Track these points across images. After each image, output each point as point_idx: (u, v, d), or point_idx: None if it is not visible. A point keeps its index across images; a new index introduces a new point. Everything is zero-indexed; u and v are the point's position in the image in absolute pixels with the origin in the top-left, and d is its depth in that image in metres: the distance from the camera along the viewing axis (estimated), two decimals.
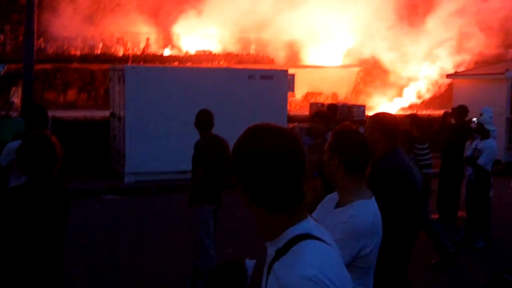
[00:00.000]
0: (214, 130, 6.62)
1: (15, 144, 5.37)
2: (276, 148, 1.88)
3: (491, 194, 9.44)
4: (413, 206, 4.09)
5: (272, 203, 1.91)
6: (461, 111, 10.64)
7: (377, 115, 4.36)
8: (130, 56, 28.07)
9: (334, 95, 27.84)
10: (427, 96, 25.68)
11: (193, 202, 6.40)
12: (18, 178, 5.32)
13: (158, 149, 12.96)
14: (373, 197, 3.12)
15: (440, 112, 20.64)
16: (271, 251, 1.96)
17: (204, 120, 6.46)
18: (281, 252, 1.91)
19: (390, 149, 4.12)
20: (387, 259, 3.83)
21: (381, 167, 4.04)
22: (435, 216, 10.35)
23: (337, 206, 3.11)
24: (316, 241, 1.92)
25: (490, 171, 8.97)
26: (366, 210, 3.01)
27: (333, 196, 3.21)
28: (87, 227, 9.45)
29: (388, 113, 4.41)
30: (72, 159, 12.26)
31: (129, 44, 31.02)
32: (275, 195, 1.89)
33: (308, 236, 1.91)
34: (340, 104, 16.85)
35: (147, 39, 31.31)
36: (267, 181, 1.88)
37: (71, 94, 24.35)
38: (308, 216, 2.00)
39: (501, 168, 15.40)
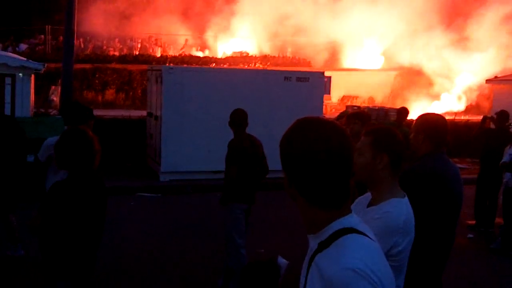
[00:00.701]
0: (250, 131, 6.62)
1: (52, 140, 5.47)
2: (327, 142, 1.87)
3: None
4: (448, 213, 4.02)
5: (319, 197, 1.90)
6: (502, 116, 10.43)
7: (423, 115, 4.29)
8: (168, 57, 28.39)
9: (371, 98, 27.66)
10: (466, 101, 25.31)
11: (226, 201, 6.43)
12: (56, 173, 5.42)
13: (193, 149, 13.05)
14: (406, 196, 3.09)
15: (479, 117, 20.45)
16: (313, 244, 1.95)
17: (238, 119, 6.47)
18: (324, 245, 1.90)
19: (431, 152, 4.07)
20: (420, 264, 3.79)
21: (414, 169, 4.00)
22: (472, 223, 10.22)
23: (370, 205, 3.09)
24: (361, 235, 1.91)
25: None
26: (400, 207, 2.99)
27: (364, 198, 3.20)
28: (122, 223, 9.57)
29: (435, 114, 4.30)
30: (109, 157, 12.45)
31: (166, 45, 31.36)
32: (323, 189, 1.89)
33: (352, 230, 1.91)
34: (376, 107, 16.78)
35: (186, 40, 31.58)
36: (316, 175, 1.87)
37: (109, 94, 24.71)
38: (353, 212, 2.00)
39: None
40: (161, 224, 9.86)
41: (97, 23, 28.53)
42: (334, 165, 1.86)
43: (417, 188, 3.78)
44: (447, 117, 14.77)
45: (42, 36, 30.12)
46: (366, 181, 3.13)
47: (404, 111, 11.70)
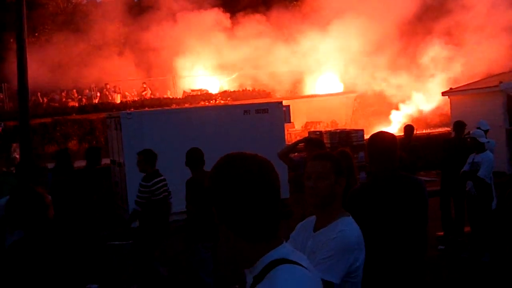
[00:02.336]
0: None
1: (3, 200, 5.39)
2: (248, 176, 1.89)
3: (494, 206, 9.38)
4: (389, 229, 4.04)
5: (246, 230, 1.91)
6: (458, 126, 10.66)
7: (370, 136, 4.36)
8: (128, 102, 28.33)
9: (334, 122, 27.93)
10: (424, 114, 25.75)
11: (190, 241, 6.40)
12: (11, 233, 5.32)
13: None
14: (350, 215, 3.16)
15: (441, 129, 20.89)
16: (249, 278, 1.96)
17: (193, 158, 6.50)
18: (258, 278, 1.90)
19: (376, 171, 4.13)
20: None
21: (354, 191, 4.16)
22: (440, 234, 10.29)
23: (317, 228, 3.12)
24: (293, 265, 1.91)
25: (491, 184, 8.93)
26: (351, 225, 3.10)
27: (307, 223, 3.23)
28: (96, 273, 9.40)
29: (381, 134, 4.32)
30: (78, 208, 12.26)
31: (124, 91, 31.32)
32: (248, 222, 1.89)
33: (284, 260, 1.91)
34: (338, 131, 16.93)
35: (143, 83, 31.58)
36: (240, 209, 1.89)
37: (72, 145, 24.47)
38: (284, 242, 2.00)
39: (505, 181, 15.28)
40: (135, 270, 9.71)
41: (49, 76, 28.37)
42: (257, 198, 1.88)
43: (357, 208, 3.84)
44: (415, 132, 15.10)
45: (1, 94, 29.85)
46: (325, 203, 3.16)
47: (408, 128, 11.74)
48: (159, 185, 8.36)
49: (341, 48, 29.86)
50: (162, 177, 8.54)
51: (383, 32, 27.83)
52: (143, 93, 30.65)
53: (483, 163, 8.71)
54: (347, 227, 3.04)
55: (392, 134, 4.32)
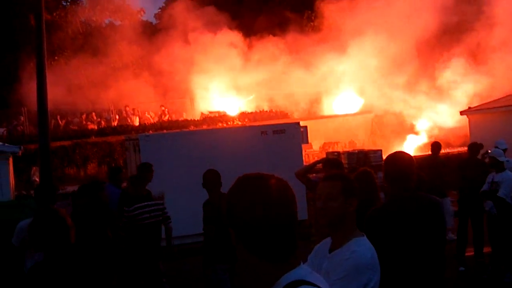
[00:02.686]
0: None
1: (24, 223, 5.45)
2: (265, 197, 1.89)
3: None
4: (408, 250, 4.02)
5: (264, 251, 1.91)
6: (473, 147, 10.65)
7: (387, 157, 4.35)
8: (147, 124, 28.54)
9: (352, 142, 27.84)
10: (444, 134, 25.60)
11: (207, 263, 6.39)
12: (32, 257, 5.37)
13: (178, 213, 12.93)
14: (364, 235, 3.15)
15: (460, 149, 20.74)
16: None
17: (209, 180, 6.52)
18: None
19: (394, 193, 4.12)
20: None
21: (373, 212, 4.15)
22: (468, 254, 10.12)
23: (332, 250, 3.12)
24: (311, 286, 1.91)
25: (511, 203, 8.83)
26: (364, 245, 3.09)
27: (323, 245, 3.23)
28: None
29: (398, 154, 4.31)
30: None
31: (143, 113, 31.57)
32: (267, 243, 1.90)
33: (303, 282, 1.91)
34: (356, 151, 16.88)
35: (161, 106, 31.80)
36: (258, 230, 1.89)
37: (91, 168, 24.67)
38: (302, 263, 2.00)
39: None
40: None
41: (68, 99, 28.72)
42: (274, 219, 1.88)
43: (375, 229, 3.83)
44: (427, 152, 14.99)
45: (21, 117, 30.23)
46: (335, 224, 3.16)
47: (436, 145, 12.14)
48: (142, 210, 7.96)
49: (358, 68, 29.88)
50: (152, 202, 8.19)
51: (401, 50, 27.84)
52: (162, 116, 30.85)
53: (503, 183, 8.62)
54: (360, 248, 3.04)
55: (409, 154, 4.32)
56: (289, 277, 1.92)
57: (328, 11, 30.54)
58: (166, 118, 30.43)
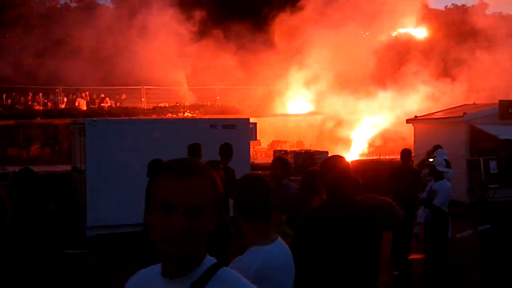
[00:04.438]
0: None
1: None
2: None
3: (449, 235, 9.51)
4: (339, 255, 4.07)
5: None
6: (405, 154, 10.78)
7: (322, 162, 4.36)
8: (95, 110, 28.12)
9: (300, 142, 28.11)
10: (389, 141, 26.15)
11: (144, 255, 6.34)
12: None
13: (120, 202, 12.83)
14: (275, 242, 3.10)
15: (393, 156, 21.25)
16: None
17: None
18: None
19: (325, 198, 4.16)
20: None
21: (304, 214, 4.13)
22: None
23: None
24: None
25: (447, 212, 9.07)
26: (254, 256, 2.95)
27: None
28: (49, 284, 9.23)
29: (332, 159, 4.31)
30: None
31: (93, 98, 31.09)
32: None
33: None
34: (303, 151, 17.07)
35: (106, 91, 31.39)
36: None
37: (34, 149, 24.15)
38: None
39: (463, 210, 15.54)
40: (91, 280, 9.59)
41: (16, 78, 28.08)
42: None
43: (308, 230, 3.86)
44: (372, 157, 15.26)
45: None
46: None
47: (405, 153, 11.06)
48: None
49: (312, 70, 30.22)
50: None
51: (356, 57, 28.34)
52: (107, 102, 30.46)
53: (439, 192, 8.86)
54: (245, 258, 2.97)
55: (345, 159, 4.32)
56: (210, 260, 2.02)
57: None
58: (115, 105, 30.07)
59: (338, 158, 4.31)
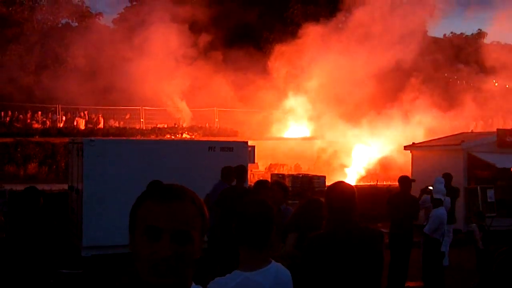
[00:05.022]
0: None
1: None
2: None
3: (446, 263, 9.50)
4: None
5: None
6: (404, 181, 10.63)
7: (327, 187, 4.37)
8: (93, 129, 28.15)
9: (297, 166, 28.11)
10: (386, 167, 26.18)
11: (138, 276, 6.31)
12: None
13: (116, 222, 12.72)
14: (262, 269, 3.12)
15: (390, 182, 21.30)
16: None
17: None
18: None
19: (330, 221, 4.17)
20: None
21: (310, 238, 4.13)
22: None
23: None
24: None
25: (440, 240, 9.04)
26: (230, 279, 3.03)
27: None
28: None
29: (337, 184, 4.31)
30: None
31: (92, 118, 31.14)
32: None
33: None
34: (301, 175, 17.06)
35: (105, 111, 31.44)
36: None
37: (32, 168, 24.11)
38: None
39: (461, 237, 15.50)
40: None
41: (16, 96, 28.15)
42: None
43: (315, 255, 3.86)
44: (370, 183, 15.25)
45: None
46: None
47: (405, 180, 10.55)
48: None
49: (311, 94, 30.42)
50: None
51: (354, 82, 28.54)
52: (106, 122, 30.52)
53: (431, 218, 8.86)
54: (220, 281, 3.04)
55: (351, 185, 4.37)
56: None
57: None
58: (113, 125, 30.12)
59: (344, 183, 4.36)
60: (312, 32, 30.70)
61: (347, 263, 4.00)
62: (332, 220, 4.21)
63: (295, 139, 31.04)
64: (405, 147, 20.24)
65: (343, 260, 4.00)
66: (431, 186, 10.52)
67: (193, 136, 28.39)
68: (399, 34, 29.50)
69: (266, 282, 3.06)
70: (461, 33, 46.72)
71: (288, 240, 5.37)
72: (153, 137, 26.59)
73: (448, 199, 10.13)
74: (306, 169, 27.71)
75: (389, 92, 29.63)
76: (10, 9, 34.49)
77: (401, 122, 27.37)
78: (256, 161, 18.52)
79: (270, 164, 28.06)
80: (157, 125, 30.72)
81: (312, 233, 4.33)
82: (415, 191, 10.77)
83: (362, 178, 25.19)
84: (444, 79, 32.20)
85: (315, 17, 33.04)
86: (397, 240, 9.99)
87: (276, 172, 24.15)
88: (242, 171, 9.90)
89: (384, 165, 25.96)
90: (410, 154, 19.86)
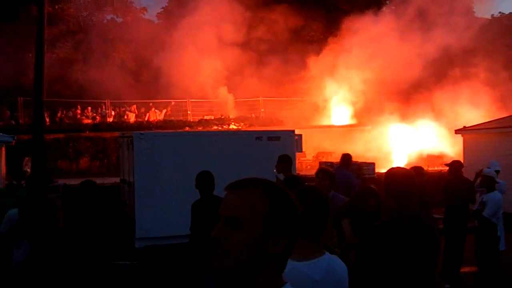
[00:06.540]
0: (222, 193, 6.57)
1: (13, 211, 5.44)
2: None
3: (503, 247, 9.28)
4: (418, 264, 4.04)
5: None
6: (455, 165, 10.44)
7: (386, 172, 4.33)
8: (142, 122, 28.53)
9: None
10: (437, 152, 25.71)
11: (192, 266, 6.37)
12: (18, 247, 5.35)
13: (168, 213, 12.94)
14: (312, 260, 3.02)
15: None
16: None
17: (202, 181, 6.51)
18: None
19: (395, 209, 4.12)
20: None
21: (375, 227, 4.10)
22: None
23: None
24: None
25: (496, 224, 8.85)
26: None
27: None
28: None
29: (397, 169, 4.31)
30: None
31: (140, 111, 31.55)
32: None
33: None
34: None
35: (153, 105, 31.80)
36: None
37: (84, 162, 24.64)
38: None
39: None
40: None
41: (66, 92, 28.73)
42: None
43: (379, 243, 3.85)
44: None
45: (8, 112, 30.14)
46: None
47: (457, 164, 10.51)
48: None
49: (358, 80, 30.08)
50: None
51: (402, 67, 28.07)
52: (156, 115, 30.87)
53: (488, 203, 8.67)
54: None
55: (409, 170, 4.32)
56: None
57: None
58: (161, 117, 30.46)
59: (402, 169, 4.39)
60: (356, 18, 30.41)
61: (411, 249, 3.99)
62: (393, 207, 4.16)
63: (342, 126, 30.76)
64: (456, 131, 19.83)
65: (408, 247, 3.99)
66: (486, 168, 10.26)
67: (239, 127, 28.48)
68: (447, 15, 28.91)
69: (315, 275, 2.95)
70: (510, 13, 45.47)
71: (345, 228, 5.33)
72: (200, 128, 26.81)
73: (503, 182, 9.90)
74: (355, 156, 27.47)
75: (439, 75, 29.05)
76: (57, 7, 35.17)
77: (451, 105, 26.79)
78: (303, 149, 18.46)
79: (318, 152, 27.93)
80: (203, 116, 30.90)
81: (376, 222, 4.31)
82: (466, 175, 10.56)
83: (412, 164, 24.81)
84: (493, 58, 31.15)
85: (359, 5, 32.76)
86: (453, 225, 9.85)
87: (324, 160, 24.02)
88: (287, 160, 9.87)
89: (435, 150, 25.50)
90: (462, 138, 19.46)
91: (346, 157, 12.03)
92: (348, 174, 11.15)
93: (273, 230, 1.92)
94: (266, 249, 1.91)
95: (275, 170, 9.10)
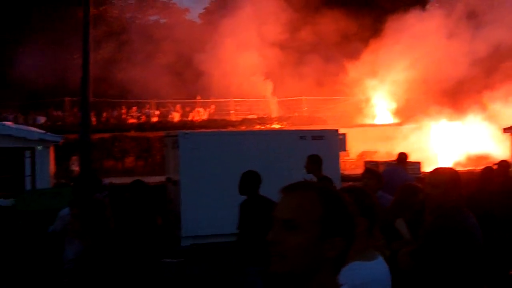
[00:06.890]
0: (267, 192, 6.60)
1: (66, 210, 5.55)
2: None
3: None
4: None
5: None
6: (501, 166, 10.12)
7: (438, 169, 4.32)
8: (186, 122, 28.80)
9: (389, 153, 27.56)
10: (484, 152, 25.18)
11: (239, 265, 6.37)
12: (70, 244, 5.46)
13: (213, 212, 13.04)
14: (377, 259, 3.02)
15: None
16: None
17: (247, 181, 6.50)
18: None
19: (452, 206, 4.09)
20: None
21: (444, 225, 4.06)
22: None
23: None
24: None
25: None
26: (356, 271, 2.83)
27: None
28: None
29: (449, 168, 4.32)
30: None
31: (184, 110, 31.86)
32: None
33: None
34: (394, 162, 16.70)
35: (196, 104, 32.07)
36: None
37: (129, 162, 25.01)
38: None
39: None
40: None
41: (110, 92, 29.18)
42: None
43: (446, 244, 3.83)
44: (466, 168, 14.69)
45: (57, 112, 30.81)
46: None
47: (505, 165, 10.32)
48: None
49: (401, 79, 29.74)
50: None
51: (448, 65, 27.64)
52: (200, 114, 31.13)
53: None
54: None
55: (454, 169, 4.30)
56: None
57: None
58: (205, 117, 30.69)
59: (447, 168, 4.42)
60: (400, 17, 30.09)
61: (465, 249, 3.95)
62: (438, 201, 4.11)
63: (386, 125, 30.42)
64: (505, 130, 19.41)
65: (462, 246, 3.95)
66: None
67: (282, 126, 28.47)
68: (496, 9, 28.34)
69: (384, 274, 2.99)
70: None
71: (400, 227, 5.24)
72: (243, 128, 26.88)
73: None
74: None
75: (487, 73, 28.45)
76: (101, 9, 35.79)
77: (502, 103, 26.19)
78: (347, 149, 18.34)
79: (362, 151, 27.68)
80: (246, 116, 31.00)
81: (429, 223, 4.28)
82: None
83: (458, 164, 24.37)
84: None
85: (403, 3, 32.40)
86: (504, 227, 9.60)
87: (368, 159, 23.82)
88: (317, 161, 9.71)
89: (482, 149, 24.99)
90: (510, 137, 19.05)
91: (403, 156, 12.02)
92: (405, 173, 11.05)
93: (329, 233, 1.93)
94: (322, 252, 1.93)
95: (305, 170, 8.95)
